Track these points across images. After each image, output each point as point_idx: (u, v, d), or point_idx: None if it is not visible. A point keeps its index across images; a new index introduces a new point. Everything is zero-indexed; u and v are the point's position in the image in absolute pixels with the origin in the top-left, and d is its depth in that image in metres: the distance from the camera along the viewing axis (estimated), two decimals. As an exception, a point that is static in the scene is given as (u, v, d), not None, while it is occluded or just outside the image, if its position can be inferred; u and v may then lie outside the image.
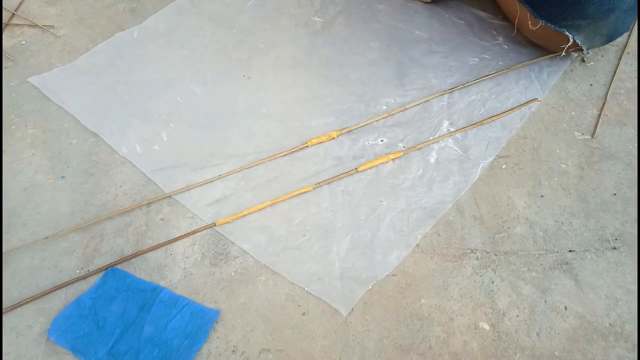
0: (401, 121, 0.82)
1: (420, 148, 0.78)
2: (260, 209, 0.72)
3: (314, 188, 0.73)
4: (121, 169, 0.76)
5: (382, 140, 0.79)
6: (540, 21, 0.79)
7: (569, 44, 0.80)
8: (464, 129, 0.80)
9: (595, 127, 0.80)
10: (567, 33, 0.78)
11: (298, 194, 0.73)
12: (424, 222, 0.71)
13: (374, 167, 0.76)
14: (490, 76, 0.87)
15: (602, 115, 0.82)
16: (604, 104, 0.83)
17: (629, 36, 0.93)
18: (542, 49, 0.89)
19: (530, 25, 0.81)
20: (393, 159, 0.77)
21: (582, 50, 0.82)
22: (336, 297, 0.64)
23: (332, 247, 0.68)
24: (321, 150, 0.78)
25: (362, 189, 0.74)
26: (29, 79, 0.87)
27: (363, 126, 0.81)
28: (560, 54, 0.86)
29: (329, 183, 0.74)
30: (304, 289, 0.65)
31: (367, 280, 0.66)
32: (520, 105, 0.83)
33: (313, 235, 0.70)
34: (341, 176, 0.75)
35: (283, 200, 0.72)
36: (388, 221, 0.71)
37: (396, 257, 0.68)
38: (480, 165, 0.76)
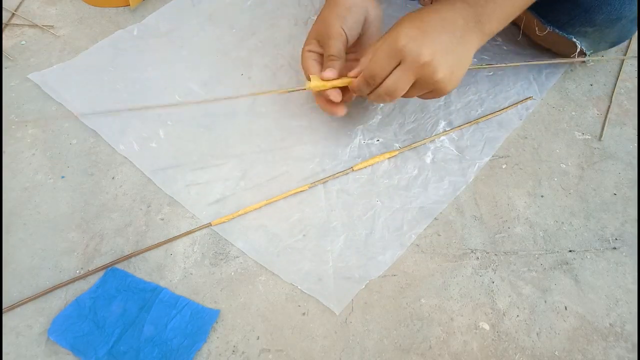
0: (398, 120, 0.81)
1: (416, 148, 0.78)
2: (256, 209, 0.72)
3: (309, 187, 0.73)
4: (121, 169, 0.76)
5: (378, 140, 0.79)
6: (548, 27, 0.79)
7: (577, 51, 0.80)
8: (460, 127, 0.80)
9: (602, 128, 0.80)
10: (574, 40, 0.78)
11: (293, 194, 0.73)
12: (419, 222, 0.71)
13: (369, 166, 0.76)
14: (490, 66, 0.87)
15: (607, 117, 0.81)
16: (609, 106, 0.83)
17: (630, 38, 0.93)
18: (542, 50, 0.89)
19: (537, 32, 0.81)
20: (389, 158, 0.77)
21: (584, 54, 0.82)
22: (329, 296, 0.64)
23: (327, 246, 0.68)
24: (319, 150, 0.78)
25: (358, 189, 0.74)
26: (28, 76, 0.86)
27: (361, 126, 0.81)
28: (562, 59, 0.85)
29: (324, 182, 0.74)
30: (298, 287, 0.65)
31: (361, 280, 0.66)
32: (515, 104, 0.83)
33: (308, 234, 0.70)
34: (337, 175, 0.75)
35: (278, 200, 0.73)
36: (383, 221, 0.71)
37: (390, 257, 0.68)
38: (477, 165, 0.76)
